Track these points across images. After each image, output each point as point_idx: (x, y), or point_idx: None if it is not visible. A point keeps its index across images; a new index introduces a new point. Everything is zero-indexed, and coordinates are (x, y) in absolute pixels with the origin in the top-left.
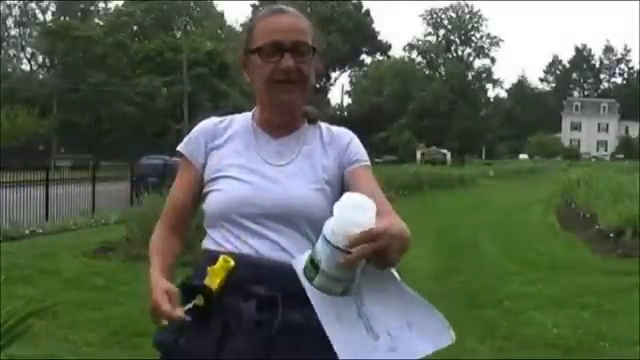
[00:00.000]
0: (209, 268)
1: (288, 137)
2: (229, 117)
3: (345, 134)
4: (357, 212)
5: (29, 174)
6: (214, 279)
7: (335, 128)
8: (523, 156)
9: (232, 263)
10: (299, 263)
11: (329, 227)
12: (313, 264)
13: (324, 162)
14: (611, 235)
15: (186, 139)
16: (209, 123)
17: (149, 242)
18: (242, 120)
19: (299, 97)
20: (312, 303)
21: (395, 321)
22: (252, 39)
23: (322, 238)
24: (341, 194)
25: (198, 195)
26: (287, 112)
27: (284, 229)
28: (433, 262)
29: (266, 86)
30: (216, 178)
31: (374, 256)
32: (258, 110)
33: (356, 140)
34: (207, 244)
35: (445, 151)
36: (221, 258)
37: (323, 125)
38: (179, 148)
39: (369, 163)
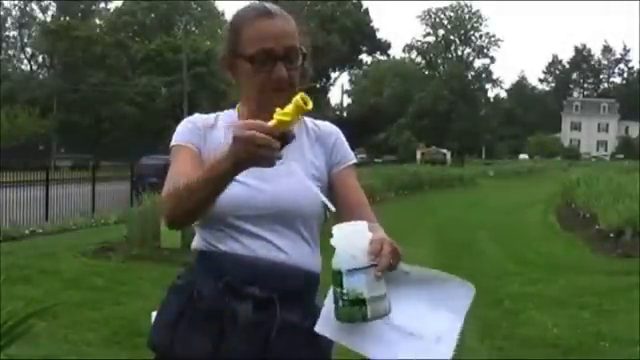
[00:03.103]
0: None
1: None
2: (213, 114)
3: (331, 132)
4: (361, 234)
5: (29, 174)
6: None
7: (320, 123)
8: (523, 156)
9: (309, 106)
10: (330, 320)
11: (346, 258)
12: (358, 303)
13: (313, 159)
14: (611, 235)
15: (179, 133)
16: (196, 119)
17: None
18: (227, 117)
19: (287, 101)
20: (352, 347)
21: (422, 312)
22: (240, 43)
23: (348, 275)
24: (329, 192)
25: None
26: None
27: (279, 228)
28: (433, 262)
29: (257, 94)
30: None
31: (392, 257)
32: (244, 107)
33: (342, 138)
34: (199, 244)
35: (445, 151)
36: (298, 97)
37: (307, 119)
38: (175, 142)
39: (354, 160)
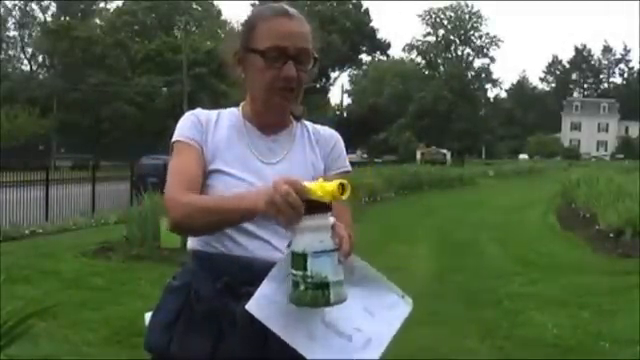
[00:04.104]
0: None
1: (278, 135)
2: (215, 111)
3: (331, 136)
4: (325, 217)
5: (29, 174)
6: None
7: (321, 127)
8: (523, 156)
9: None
10: (265, 302)
11: (312, 240)
12: (321, 287)
13: (313, 160)
14: (611, 235)
15: (182, 127)
16: (199, 114)
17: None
18: (230, 115)
19: (293, 102)
20: (280, 334)
21: (356, 314)
22: (254, 38)
23: (314, 257)
24: None
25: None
26: (280, 114)
27: (277, 228)
28: (433, 262)
29: (265, 91)
30: (209, 172)
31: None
32: (249, 106)
33: (341, 143)
34: (195, 244)
35: (445, 151)
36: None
37: (308, 124)
38: (179, 137)
39: (349, 169)
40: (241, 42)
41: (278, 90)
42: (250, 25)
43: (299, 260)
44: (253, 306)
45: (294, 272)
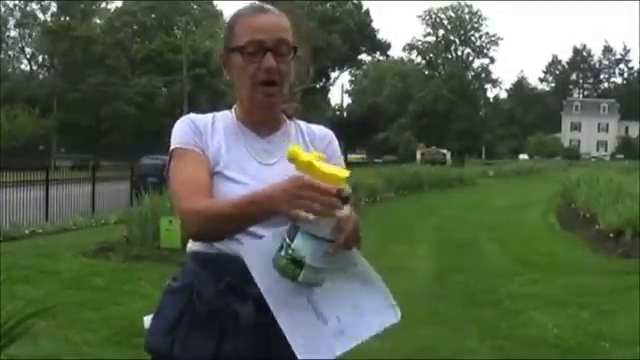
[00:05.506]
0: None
1: (273, 135)
2: (210, 114)
3: (325, 134)
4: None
5: (29, 174)
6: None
7: (315, 127)
8: (523, 156)
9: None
10: (267, 268)
11: (311, 224)
12: (295, 263)
13: None
14: (611, 235)
15: (181, 132)
16: (196, 119)
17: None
18: (224, 118)
19: (279, 96)
20: (259, 284)
21: (344, 305)
22: (234, 37)
23: (302, 235)
24: None
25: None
26: (268, 111)
27: (278, 228)
28: (433, 262)
29: (249, 87)
30: (210, 175)
31: (354, 236)
32: (239, 108)
33: (335, 141)
34: (196, 246)
35: (445, 151)
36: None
37: (302, 123)
38: (180, 144)
39: (343, 167)
40: (224, 44)
41: (260, 85)
42: (229, 26)
43: (292, 230)
44: (245, 252)
45: (285, 237)
